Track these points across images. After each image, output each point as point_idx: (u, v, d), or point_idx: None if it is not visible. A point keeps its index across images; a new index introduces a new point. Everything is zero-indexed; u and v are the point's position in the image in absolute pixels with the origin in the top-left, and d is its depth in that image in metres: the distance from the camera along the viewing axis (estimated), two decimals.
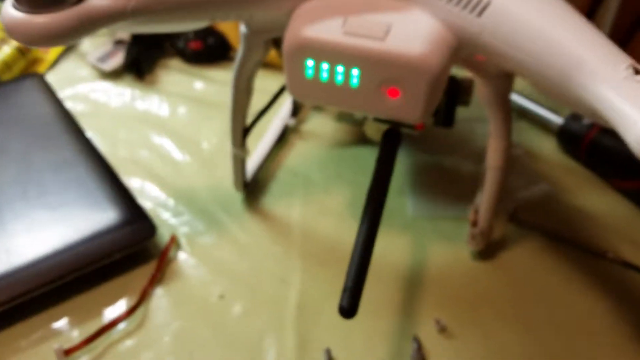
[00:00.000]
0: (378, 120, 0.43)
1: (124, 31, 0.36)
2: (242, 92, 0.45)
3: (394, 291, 0.46)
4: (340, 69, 0.36)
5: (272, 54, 0.59)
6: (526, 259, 0.49)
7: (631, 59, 0.30)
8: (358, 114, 0.49)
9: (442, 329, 0.43)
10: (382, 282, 0.47)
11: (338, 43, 0.35)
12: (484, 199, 0.45)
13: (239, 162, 0.50)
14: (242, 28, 0.41)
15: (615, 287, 0.47)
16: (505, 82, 0.39)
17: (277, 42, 0.42)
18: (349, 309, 0.32)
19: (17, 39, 0.32)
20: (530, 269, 0.48)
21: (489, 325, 0.44)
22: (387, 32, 0.35)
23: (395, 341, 0.43)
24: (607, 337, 0.44)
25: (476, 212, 0.47)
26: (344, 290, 0.32)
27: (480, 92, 0.40)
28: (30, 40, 0.32)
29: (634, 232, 0.52)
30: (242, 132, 0.48)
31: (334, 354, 0.42)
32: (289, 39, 0.36)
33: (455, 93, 0.54)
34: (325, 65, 0.36)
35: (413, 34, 0.35)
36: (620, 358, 0.42)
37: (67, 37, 0.32)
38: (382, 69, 0.35)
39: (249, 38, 0.41)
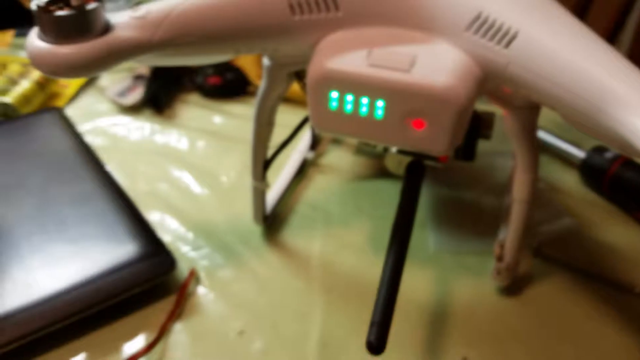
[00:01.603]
0: (401, 152, 0.43)
1: (148, 64, 0.37)
2: (263, 125, 0.45)
3: (418, 327, 0.45)
4: (364, 100, 0.36)
5: (294, 88, 0.59)
6: (552, 294, 0.48)
7: None
8: (380, 146, 0.48)
9: None
10: (405, 318, 0.46)
11: (363, 74, 0.35)
12: (510, 233, 0.44)
13: (259, 195, 0.50)
14: (265, 61, 0.42)
15: None
16: (531, 114, 0.39)
17: (299, 75, 0.42)
18: (377, 345, 0.31)
19: (42, 69, 0.32)
20: (557, 304, 0.47)
21: None
22: (412, 63, 0.34)
23: None
24: None
25: (501, 246, 0.46)
26: (372, 324, 0.32)
27: (507, 124, 0.39)
28: (55, 71, 0.32)
29: None
30: (262, 165, 0.48)
31: None
32: (314, 70, 0.36)
33: (476, 127, 0.54)
34: (349, 97, 0.36)
35: (438, 66, 0.34)
36: None
37: (92, 68, 0.32)
38: (407, 100, 0.35)
39: (272, 71, 0.42)
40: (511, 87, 0.35)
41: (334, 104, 0.37)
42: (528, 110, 0.38)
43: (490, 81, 0.35)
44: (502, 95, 0.38)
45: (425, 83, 0.34)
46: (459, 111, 0.34)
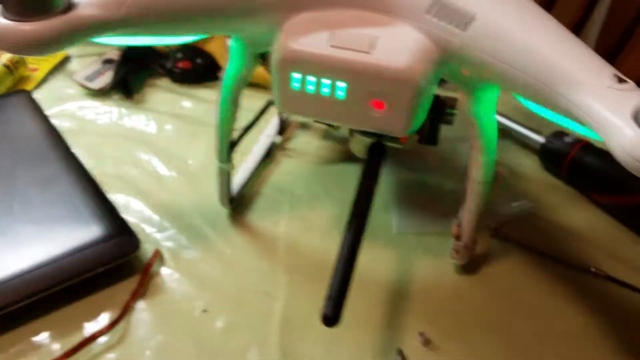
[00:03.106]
0: (363, 133, 0.44)
1: (114, 42, 0.37)
2: (228, 106, 0.46)
3: (379, 305, 0.46)
4: (326, 81, 0.37)
5: (259, 72, 0.60)
6: (510, 273, 0.50)
7: (614, 69, 0.31)
8: (345, 129, 0.49)
9: (427, 342, 0.43)
10: (366, 297, 0.47)
11: (324, 56, 0.36)
12: (466, 212, 0.45)
13: (225, 177, 0.50)
14: (231, 42, 0.42)
15: (598, 301, 0.48)
16: (489, 96, 0.40)
17: (263, 57, 0.43)
18: (332, 317, 0.32)
19: (4, 47, 0.32)
20: (514, 283, 0.49)
21: (473, 337, 0.44)
22: (372, 45, 0.35)
23: (380, 355, 0.43)
24: (592, 350, 0.44)
25: (459, 226, 0.47)
26: (327, 299, 0.32)
27: (466, 106, 0.40)
28: (17, 49, 0.32)
29: (615, 246, 0.52)
30: (227, 146, 0.49)
31: None
32: (277, 51, 0.37)
33: (439, 112, 0.55)
34: (311, 78, 0.37)
35: (398, 47, 0.35)
36: None
37: (54, 46, 0.32)
38: (367, 81, 0.36)
39: (237, 51, 0.42)
40: (468, 68, 0.37)
41: (296, 85, 0.37)
42: (485, 93, 0.39)
43: (449, 63, 0.36)
44: (461, 78, 0.39)
45: (385, 64, 0.35)
46: (417, 92, 0.35)
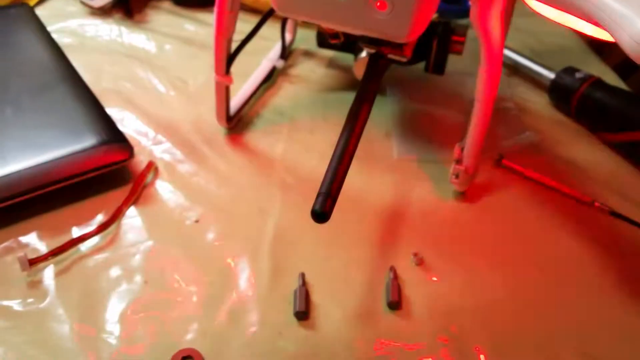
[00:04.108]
0: (366, 44, 0.42)
1: None
2: (226, 11, 0.44)
3: (374, 226, 0.45)
4: None
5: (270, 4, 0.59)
6: (510, 202, 0.48)
7: None
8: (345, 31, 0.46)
9: (420, 262, 0.43)
10: (361, 218, 0.46)
11: None
12: (470, 133, 0.44)
13: (223, 92, 0.49)
14: None
15: (601, 235, 0.46)
16: (498, 2, 0.38)
17: None
18: (321, 212, 0.31)
19: None
20: (515, 212, 0.48)
21: (468, 260, 0.43)
22: None
23: (372, 271, 0.42)
24: (592, 283, 0.43)
25: (461, 149, 0.46)
26: (318, 195, 0.31)
27: (473, 12, 0.39)
28: None
29: (621, 183, 0.51)
30: (226, 58, 0.47)
31: (309, 279, 0.41)
32: None
33: (447, 39, 0.53)
34: None
35: None
36: (605, 304, 0.41)
37: None
38: None
39: None
40: None
41: None
42: None
43: None
44: None
45: None
46: None
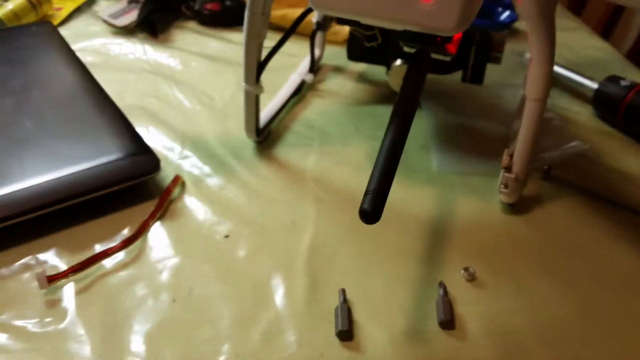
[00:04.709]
0: (407, 42, 0.39)
1: None
2: (257, 15, 0.42)
3: (418, 240, 0.42)
4: None
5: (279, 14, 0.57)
6: (562, 215, 0.45)
7: None
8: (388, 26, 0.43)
9: (472, 278, 0.39)
10: (402, 231, 0.42)
11: None
12: (521, 137, 0.41)
13: (252, 101, 0.47)
14: None
15: None
16: None
17: None
18: (371, 211, 0.27)
19: None
20: (568, 225, 0.44)
21: (522, 276, 0.39)
22: None
23: (418, 287, 0.38)
24: None
25: (511, 156, 0.42)
26: (366, 193, 0.28)
27: (523, 7, 0.36)
28: None
29: None
30: (256, 66, 0.45)
31: (350, 296, 0.37)
32: None
33: (486, 48, 0.51)
34: None
35: None
36: None
37: None
38: None
39: None
40: None
41: None
42: None
43: None
44: None
45: None
46: None
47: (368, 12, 0.35)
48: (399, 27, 0.36)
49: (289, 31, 0.47)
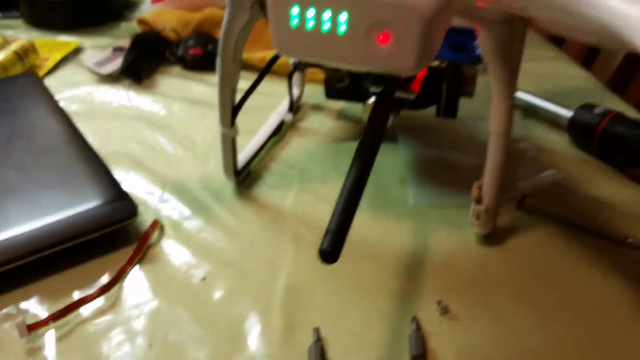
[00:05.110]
0: (372, 83, 0.41)
1: None
2: (229, 62, 0.43)
3: (393, 274, 0.42)
4: (327, 14, 0.34)
5: (281, 62, 0.59)
6: (537, 245, 0.45)
7: None
8: (347, 67, 0.44)
9: (445, 311, 0.39)
10: (381, 266, 0.43)
11: None
12: (487, 170, 0.42)
13: (229, 144, 0.48)
14: None
15: (637, 272, 0.43)
16: (505, 30, 0.36)
17: (262, 4, 0.40)
18: (330, 251, 0.28)
19: None
20: (542, 254, 0.44)
21: (497, 307, 0.40)
22: None
23: (393, 323, 0.39)
24: (634, 322, 0.39)
25: (480, 188, 0.43)
26: (326, 233, 0.29)
27: (482, 43, 0.37)
28: None
29: None
30: (230, 109, 0.46)
31: (325, 334, 0.38)
32: None
33: (458, 82, 0.52)
34: (311, 12, 0.34)
35: None
36: None
37: None
38: (371, 9, 0.33)
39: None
40: None
41: (295, 22, 0.35)
42: (502, 26, 0.36)
43: None
44: (476, 11, 0.36)
45: None
46: (427, 21, 0.32)
47: (330, 56, 0.36)
48: (361, 69, 0.37)
49: (261, 74, 0.49)
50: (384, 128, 0.37)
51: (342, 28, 0.34)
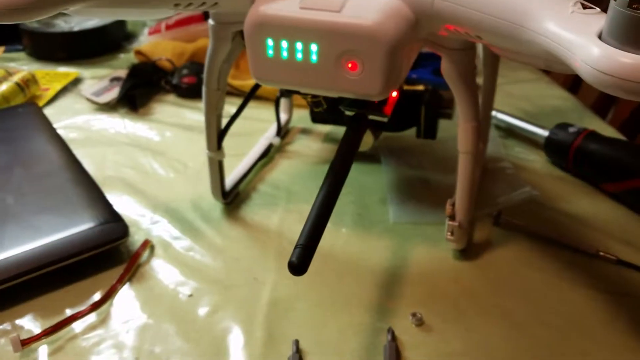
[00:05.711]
0: (346, 107, 0.43)
1: (86, 14, 0.37)
2: (212, 90, 0.46)
3: (371, 288, 0.44)
4: (299, 45, 0.37)
5: (270, 88, 0.62)
6: (512, 259, 0.47)
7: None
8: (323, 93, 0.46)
9: (420, 322, 0.41)
10: (358, 281, 0.45)
11: (294, 18, 0.36)
12: (459, 187, 0.44)
13: (216, 167, 0.50)
14: (210, 20, 0.43)
15: (609, 285, 0.45)
16: (467, 56, 0.39)
17: (243, 36, 0.43)
18: (297, 265, 0.30)
19: None
20: (516, 269, 0.46)
21: (470, 320, 0.42)
22: (342, 5, 0.35)
23: (369, 335, 0.40)
24: (602, 333, 0.41)
25: (453, 205, 0.45)
26: (295, 247, 0.31)
27: (444, 68, 0.40)
28: None
29: (625, 232, 0.50)
30: (216, 134, 0.49)
31: (304, 346, 0.39)
32: (249, 18, 0.37)
33: (436, 105, 0.54)
34: (284, 43, 0.37)
35: (368, 6, 0.35)
36: (617, 355, 0.39)
37: (25, 13, 0.32)
38: (338, 40, 0.35)
39: (217, 30, 0.43)
40: (440, 22, 0.36)
41: (270, 52, 0.37)
42: (463, 52, 0.39)
43: (423, 22, 0.36)
44: (438, 40, 0.39)
45: (354, 22, 0.35)
46: (390, 49, 0.35)
47: (305, 83, 0.39)
48: (333, 94, 0.40)
49: (245, 100, 0.51)
50: (354, 149, 0.39)
51: (314, 57, 0.37)
